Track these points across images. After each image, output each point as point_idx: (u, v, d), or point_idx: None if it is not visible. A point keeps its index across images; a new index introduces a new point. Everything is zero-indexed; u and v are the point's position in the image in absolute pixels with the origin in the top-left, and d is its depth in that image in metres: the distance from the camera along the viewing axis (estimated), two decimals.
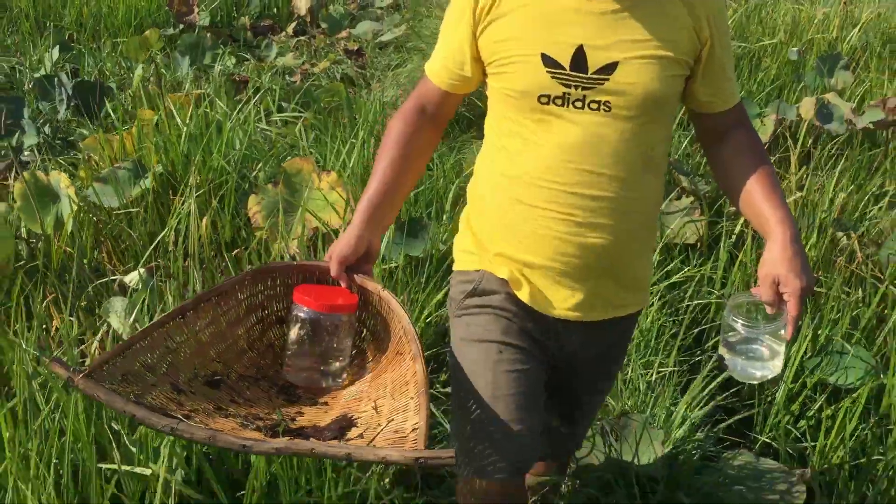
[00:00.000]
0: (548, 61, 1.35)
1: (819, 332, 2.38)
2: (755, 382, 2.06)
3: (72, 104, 4.27)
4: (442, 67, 1.49)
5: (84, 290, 2.43)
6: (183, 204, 2.72)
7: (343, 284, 1.49)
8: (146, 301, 2.26)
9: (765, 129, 3.83)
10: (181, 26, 5.66)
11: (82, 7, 5.75)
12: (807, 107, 3.94)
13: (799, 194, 3.01)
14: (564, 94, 1.35)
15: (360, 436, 1.29)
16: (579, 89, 1.35)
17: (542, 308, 1.47)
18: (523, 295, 1.47)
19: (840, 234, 2.87)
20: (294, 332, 1.47)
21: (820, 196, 3.09)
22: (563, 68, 1.34)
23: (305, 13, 6.26)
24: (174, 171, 3.04)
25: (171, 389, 1.32)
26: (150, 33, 5.20)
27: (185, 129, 3.15)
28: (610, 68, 1.34)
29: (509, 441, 1.45)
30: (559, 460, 1.89)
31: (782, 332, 1.38)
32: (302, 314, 1.45)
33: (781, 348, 1.42)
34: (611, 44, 1.34)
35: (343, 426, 1.33)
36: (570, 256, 1.42)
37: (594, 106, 1.35)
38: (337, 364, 1.49)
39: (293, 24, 6.15)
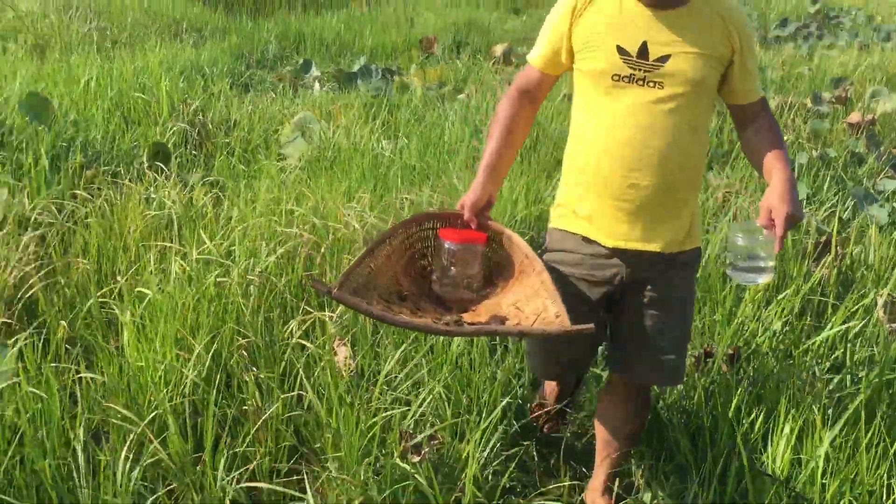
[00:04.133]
0: (621, 50, 1.89)
1: None
2: (753, 285, 2.64)
3: (381, 79, 7.74)
4: (542, 55, 2.04)
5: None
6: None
7: (473, 226, 2.02)
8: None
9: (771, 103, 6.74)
10: (427, 54, 9.16)
11: (368, 42, 9.38)
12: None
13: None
14: (631, 74, 1.88)
15: (518, 323, 1.79)
16: (642, 71, 1.87)
17: (608, 241, 1.96)
18: (594, 235, 1.98)
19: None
20: (444, 259, 1.98)
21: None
22: (631, 56, 1.88)
23: (500, 55, 9.67)
24: (457, 83, 6.35)
25: (382, 301, 1.84)
26: (414, 52, 8.72)
27: (461, 70, 6.49)
28: (664, 59, 1.87)
29: (559, 364, 2.10)
30: (643, 384, 2.16)
31: (772, 246, 1.79)
32: (448, 245, 1.97)
33: (772, 262, 1.85)
34: (666, 42, 1.87)
35: (500, 321, 1.82)
36: (627, 195, 1.91)
37: (651, 84, 1.87)
38: (473, 281, 2.00)
39: (492, 61, 9.55)
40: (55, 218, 3.43)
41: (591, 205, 1.97)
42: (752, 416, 2.19)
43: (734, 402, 2.22)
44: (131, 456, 2.16)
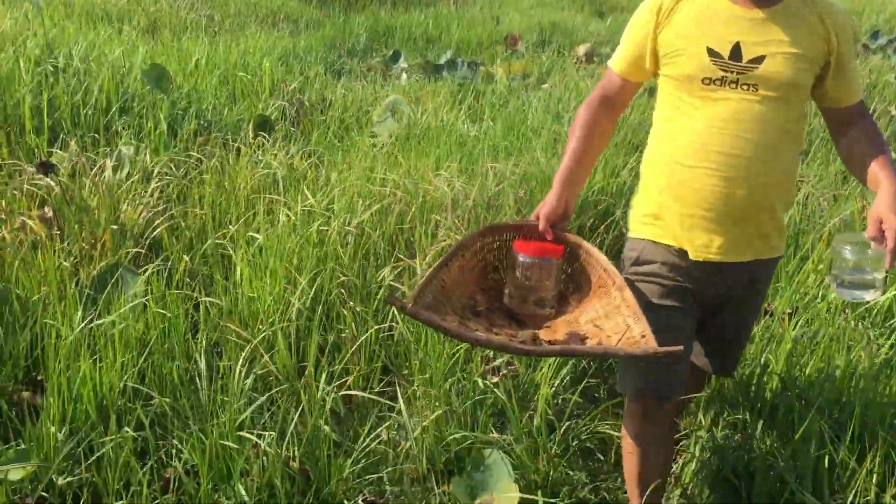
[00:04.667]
0: (712, 52, 1.78)
1: None
2: (861, 302, 2.48)
3: (466, 69, 8.03)
4: (623, 59, 1.95)
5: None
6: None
7: (549, 237, 1.92)
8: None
9: None
10: (511, 51, 9.43)
11: (454, 37, 9.70)
12: None
13: None
14: (723, 77, 1.78)
15: (599, 342, 1.69)
16: (734, 73, 1.77)
17: (697, 254, 1.85)
18: (685, 246, 1.86)
19: None
20: (518, 272, 1.89)
21: None
22: (722, 58, 1.78)
23: (583, 55, 9.86)
24: (540, 75, 6.59)
25: (456, 316, 1.77)
26: (498, 47, 9.00)
27: (544, 64, 6.73)
28: (759, 60, 1.76)
29: (661, 378, 1.91)
30: (702, 383, 2.23)
31: (882, 260, 1.65)
32: (523, 259, 1.87)
33: (881, 275, 1.73)
34: (760, 42, 1.77)
35: (580, 338, 1.74)
36: (719, 206, 1.79)
37: (745, 87, 1.77)
38: (547, 295, 1.90)
39: (575, 60, 9.75)
40: (174, 174, 3.82)
41: (677, 216, 1.86)
42: (805, 360, 2.38)
43: (788, 347, 2.42)
44: (245, 367, 2.49)
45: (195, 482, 2.18)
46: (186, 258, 3.06)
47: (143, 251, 3.14)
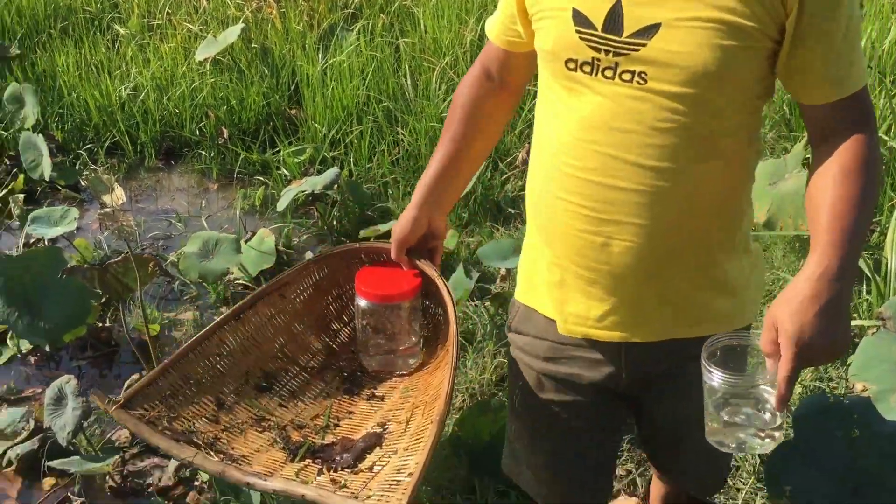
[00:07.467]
0: (578, 18, 1.09)
1: None
2: (750, 454, 1.71)
3: None
4: (498, 23, 1.29)
5: None
6: None
7: (404, 267, 1.41)
8: None
9: None
10: None
11: None
12: None
13: None
14: (594, 59, 1.09)
15: (371, 467, 1.25)
16: (611, 55, 1.07)
17: (576, 326, 1.24)
18: (554, 314, 1.27)
19: None
20: (358, 321, 1.43)
21: None
22: (594, 28, 1.08)
23: None
24: None
25: (214, 403, 1.34)
26: None
27: None
28: (649, 31, 1.05)
29: (543, 493, 1.44)
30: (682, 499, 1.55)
31: (771, 388, 1.00)
32: (362, 304, 1.41)
33: (779, 417, 1.05)
34: (654, 2, 1.05)
35: (368, 446, 1.30)
36: (595, 261, 1.16)
37: (626, 76, 1.07)
38: (405, 347, 1.45)
39: None
40: None
41: (546, 266, 1.27)
42: None
43: None
44: (438, 81, 3.52)
45: (418, 147, 3.28)
46: (382, 16, 4.06)
47: (350, 13, 4.18)
